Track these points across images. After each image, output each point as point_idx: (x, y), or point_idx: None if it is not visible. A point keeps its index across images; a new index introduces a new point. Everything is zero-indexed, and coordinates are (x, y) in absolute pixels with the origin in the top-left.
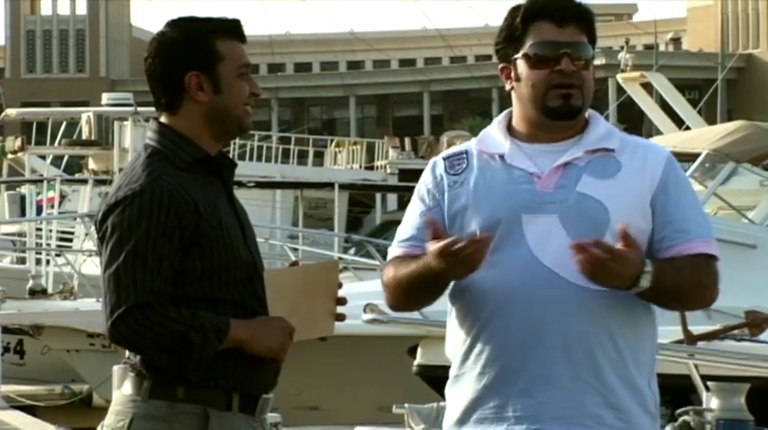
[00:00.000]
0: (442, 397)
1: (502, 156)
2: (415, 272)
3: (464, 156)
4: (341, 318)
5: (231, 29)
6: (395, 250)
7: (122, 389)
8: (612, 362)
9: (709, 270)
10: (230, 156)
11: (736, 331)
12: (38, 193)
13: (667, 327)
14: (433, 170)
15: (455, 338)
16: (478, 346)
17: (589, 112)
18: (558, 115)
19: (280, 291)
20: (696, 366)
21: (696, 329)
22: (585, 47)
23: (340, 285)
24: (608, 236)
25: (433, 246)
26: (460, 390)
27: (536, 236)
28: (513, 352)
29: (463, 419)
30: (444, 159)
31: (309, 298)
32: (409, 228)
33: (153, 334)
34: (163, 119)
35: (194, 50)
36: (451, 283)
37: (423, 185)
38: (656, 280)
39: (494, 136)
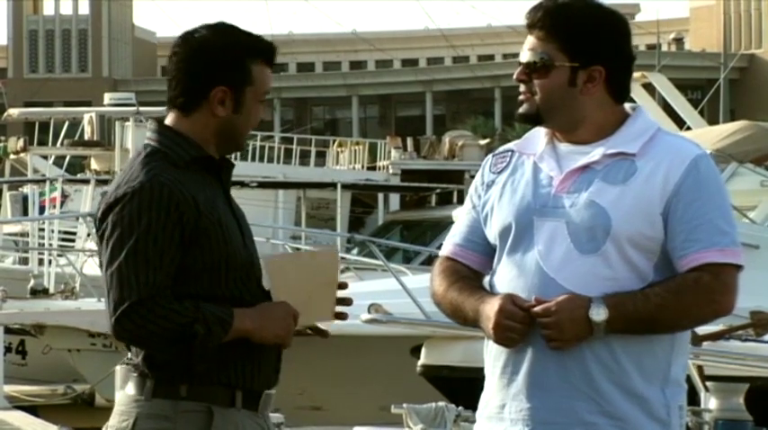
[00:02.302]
0: (446, 397)
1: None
2: (464, 310)
3: (507, 155)
4: (342, 316)
5: (267, 54)
6: (446, 247)
7: (126, 390)
8: (608, 369)
9: (714, 283)
10: (232, 156)
11: (740, 331)
12: (40, 193)
13: None
14: (483, 167)
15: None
16: (490, 346)
17: (636, 110)
18: (518, 121)
19: (281, 278)
20: (701, 367)
21: (701, 330)
22: (533, 54)
23: (343, 285)
24: (608, 243)
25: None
26: (485, 386)
27: (543, 240)
28: (510, 355)
29: (480, 414)
30: (492, 156)
31: (310, 284)
32: (459, 225)
33: (157, 328)
34: (169, 118)
35: (230, 66)
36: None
37: (474, 182)
38: (613, 311)
39: (536, 135)
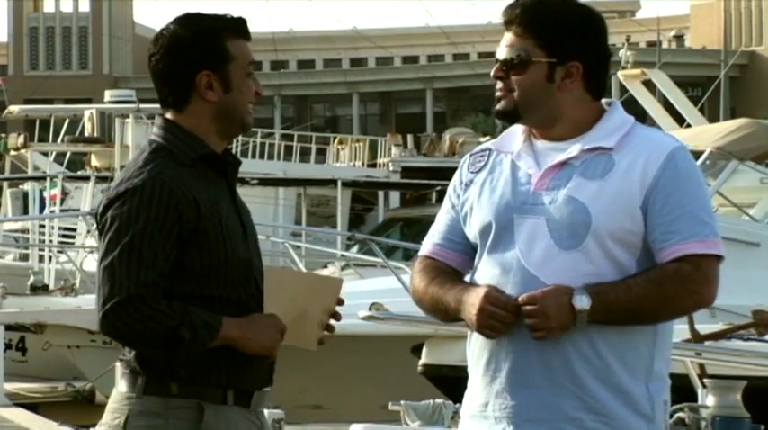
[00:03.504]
0: (447, 396)
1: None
2: (445, 303)
3: (485, 154)
4: (329, 329)
5: (239, 27)
6: (425, 247)
7: (118, 387)
8: (592, 366)
9: (695, 273)
10: (233, 153)
11: (742, 331)
12: (41, 190)
13: (675, 326)
14: (461, 167)
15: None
16: (472, 345)
17: (611, 105)
18: (496, 117)
19: (278, 290)
20: (702, 365)
21: (702, 328)
22: (510, 51)
23: (340, 302)
24: (589, 238)
25: (474, 299)
26: (468, 385)
27: (524, 238)
28: (493, 353)
29: (464, 412)
30: (470, 156)
31: (304, 306)
32: (438, 224)
33: (143, 327)
34: (169, 115)
35: (206, 50)
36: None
37: (452, 181)
38: (596, 300)
39: (513, 133)
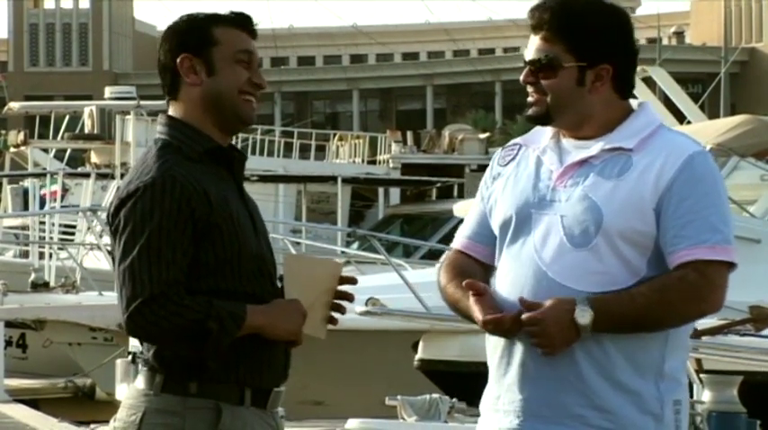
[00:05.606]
0: (444, 391)
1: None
2: (461, 307)
3: (515, 148)
4: (341, 311)
5: (235, 20)
6: (456, 240)
7: (135, 383)
8: (598, 363)
9: (700, 280)
10: (238, 148)
11: (739, 326)
12: (41, 187)
13: None
14: (492, 160)
15: None
16: (488, 337)
17: (641, 106)
18: (528, 122)
19: (296, 276)
20: (700, 361)
21: (700, 324)
22: (539, 53)
23: (353, 281)
24: (599, 237)
25: (476, 313)
26: (489, 378)
27: (539, 233)
28: (506, 347)
29: (482, 405)
30: (502, 149)
31: (316, 293)
32: (469, 218)
33: (170, 324)
34: (170, 110)
35: (189, 35)
36: None
37: (485, 175)
38: (599, 312)
39: (543, 130)
